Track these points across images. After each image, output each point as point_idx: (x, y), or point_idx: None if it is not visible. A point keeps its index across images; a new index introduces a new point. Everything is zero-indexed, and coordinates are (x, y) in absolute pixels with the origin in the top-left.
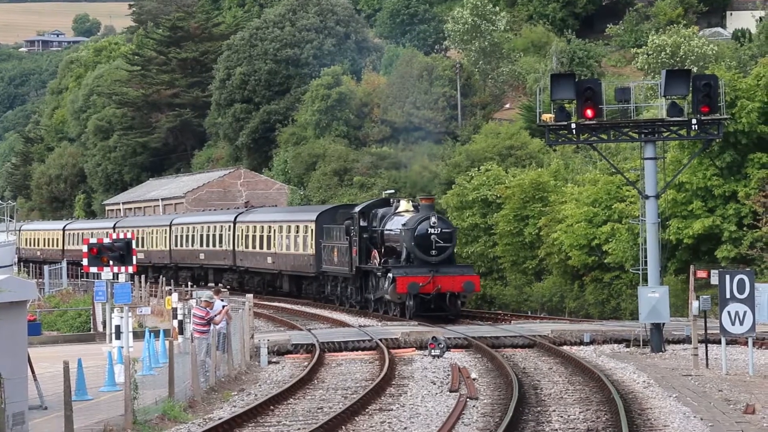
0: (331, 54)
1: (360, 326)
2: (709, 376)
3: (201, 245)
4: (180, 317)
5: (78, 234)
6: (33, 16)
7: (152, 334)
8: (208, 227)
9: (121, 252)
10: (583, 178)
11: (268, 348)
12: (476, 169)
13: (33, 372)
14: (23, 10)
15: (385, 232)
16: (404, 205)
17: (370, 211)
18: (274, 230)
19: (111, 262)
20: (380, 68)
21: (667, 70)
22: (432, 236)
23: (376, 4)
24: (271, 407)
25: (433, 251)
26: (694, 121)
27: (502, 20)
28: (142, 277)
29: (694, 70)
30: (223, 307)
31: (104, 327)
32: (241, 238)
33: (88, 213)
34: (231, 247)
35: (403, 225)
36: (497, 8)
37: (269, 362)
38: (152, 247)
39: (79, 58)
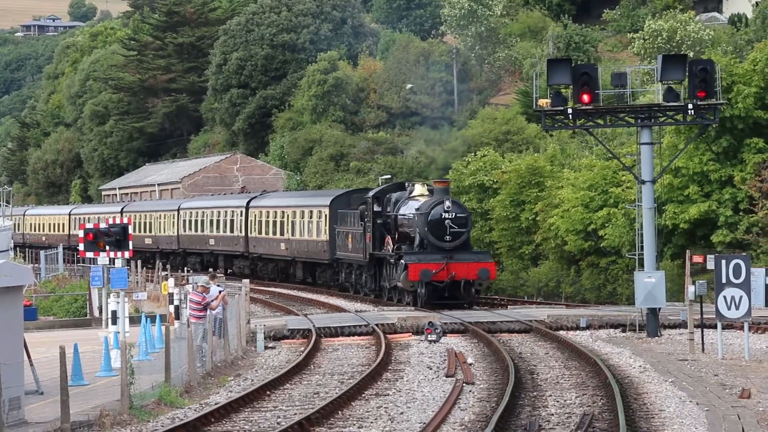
0: (327, 39)
1: (357, 311)
2: (705, 361)
3: (211, 230)
4: (176, 302)
5: (85, 219)
6: (29, 1)
7: (148, 319)
8: (219, 212)
9: (117, 237)
10: (580, 163)
11: (264, 333)
12: (473, 154)
13: (29, 357)
14: None
15: (399, 217)
16: (419, 189)
17: (384, 196)
18: (288, 215)
19: (107, 247)
20: (377, 53)
21: (663, 55)
22: (446, 221)
23: None
24: (268, 392)
25: (448, 237)
26: (690, 106)
27: (499, 5)
28: (138, 262)
29: (691, 55)
30: (220, 292)
31: (100, 312)
32: (254, 224)
33: (84, 198)
34: (243, 233)
35: (417, 209)
36: None
37: (266, 347)
38: (160, 232)
39: (75, 43)
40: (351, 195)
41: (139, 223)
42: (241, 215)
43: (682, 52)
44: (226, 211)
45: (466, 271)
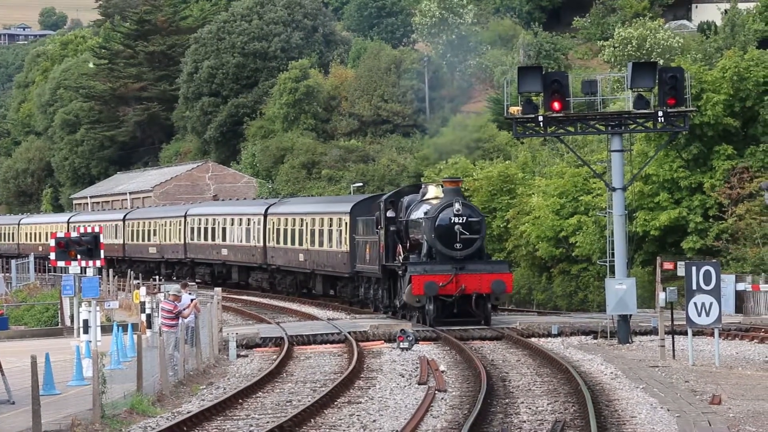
0: (298, 47)
1: (329, 319)
2: (676, 367)
3: (224, 239)
4: (148, 311)
5: (84, 227)
6: None
7: (120, 328)
8: (234, 219)
9: (88, 246)
10: (551, 170)
11: (236, 341)
12: (444, 161)
13: (0, 367)
14: None
15: (410, 222)
16: (432, 191)
17: (398, 200)
18: (307, 223)
19: (79, 256)
20: (348, 61)
21: (633, 63)
22: (456, 226)
23: None
24: (240, 401)
25: (458, 244)
26: (660, 113)
27: (470, 13)
28: (110, 271)
29: (660, 62)
30: (192, 300)
31: (72, 321)
32: (273, 233)
33: (55, 207)
34: (261, 243)
35: (425, 214)
36: (464, 1)
37: (238, 356)
38: (165, 240)
39: (45, 52)
40: (374, 201)
41: (142, 231)
42: (259, 223)
43: (651, 60)
44: (241, 219)
45: (478, 284)
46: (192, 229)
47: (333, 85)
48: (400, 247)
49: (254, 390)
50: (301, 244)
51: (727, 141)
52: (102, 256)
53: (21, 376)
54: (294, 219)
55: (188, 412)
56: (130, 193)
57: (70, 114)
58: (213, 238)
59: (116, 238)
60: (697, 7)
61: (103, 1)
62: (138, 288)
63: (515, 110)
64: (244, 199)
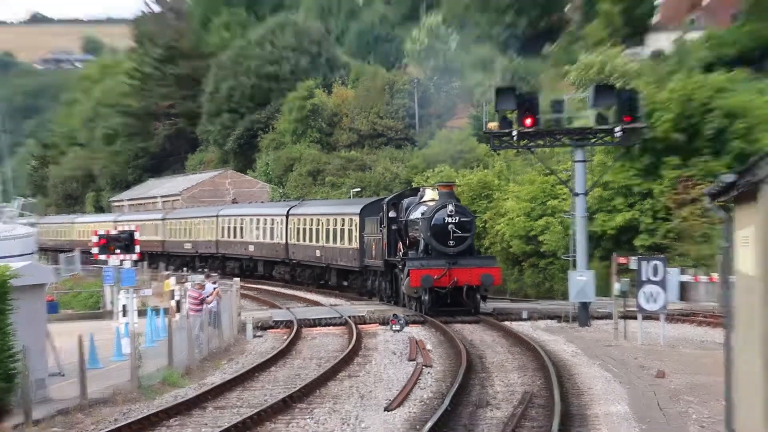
0: (305, 70)
1: (331, 305)
2: (627, 347)
3: (251, 237)
4: (177, 298)
5: (129, 226)
6: (47, 37)
7: (154, 312)
8: (259, 219)
9: (126, 242)
10: (523, 178)
11: (253, 324)
12: (431, 170)
13: (52, 345)
14: (39, 32)
15: (409, 222)
16: (429, 193)
17: (399, 201)
18: (323, 223)
19: (117, 251)
20: (348, 83)
21: (595, 85)
22: (449, 226)
23: (345, 26)
24: (256, 374)
25: (451, 242)
26: (617, 129)
27: (454, 41)
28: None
29: (618, 84)
30: (214, 289)
31: (112, 306)
32: (293, 231)
33: (96, 209)
34: (284, 240)
35: (422, 214)
36: (449, 30)
37: (254, 336)
38: (199, 237)
39: (87, 74)
40: (380, 203)
41: (179, 229)
42: (282, 223)
43: (611, 83)
44: (266, 219)
45: (469, 277)
46: (223, 228)
47: (335, 103)
48: (400, 244)
49: (268, 365)
50: (317, 241)
51: (674, 153)
52: (137, 250)
53: (70, 353)
54: (312, 219)
55: (212, 384)
56: (162, 196)
57: (109, 128)
58: (241, 236)
59: (156, 235)
60: (650, 36)
61: (137, 30)
62: (168, 278)
63: (493, 126)
64: (261, 201)
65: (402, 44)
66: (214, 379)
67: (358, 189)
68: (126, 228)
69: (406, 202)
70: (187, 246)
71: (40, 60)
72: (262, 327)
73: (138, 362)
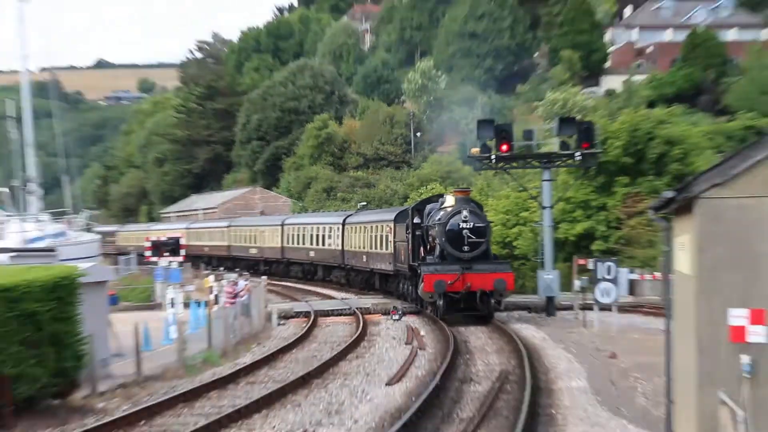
0: (320, 105)
1: (342, 299)
2: (586, 333)
3: (311, 244)
4: (215, 292)
5: (197, 233)
6: (109, 79)
7: (196, 304)
8: (319, 228)
9: (173, 247)
10: (500, 194)
11: (277, 314)
12: (424, 187)
13: (113, 331)
14: (103, 75)
15: (429, 227)
16: (449, 200)
17: (423, 207)
18: (367, 230)
19: (167, 254)
20: (356, 115)
21: (559, 118)
22: (464, 231)
23: (353, 69)
24: (280, 355)
25: (466, 247)
26: (577, 153)
27: (443, 82)
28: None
29: (578, 117)
30: (245, 285)
31: (162, 299)
32: (348, 239)
33: (148, 219)
34: (340, 247)
35: (438, 220)
36: (439, 72)
37: (278, 324)
38: (265, 244)
39: (142, 109)
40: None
41: (245, 236)
42: (338, 230)
43: (572, 116)
44: (324, 227)
45: (482, 282)
46: (288, 235)
47: (345, 132)
48: (422, 249)
49: (290, 348)
50: (363, 247)
51: (624, 173)
52: (183, 254)
53: (127, 337)
54: (360, 227)
55: (244, 363)
56: (202, 209)
57: (159, 153)
58: (303, 243)
59: (223, 240)
60: (604, 78)
61: (183, 72)
62: (208, 276)
63: (475, 151)
64: (302, 212)
65: (400, 84)
66: (246, 359)
67: (364, 203)
68: (195, 234)
69: (428, 207)
70: (253, 251)
71: (103, 98)
72: (285, 316)
73: (183, 345)
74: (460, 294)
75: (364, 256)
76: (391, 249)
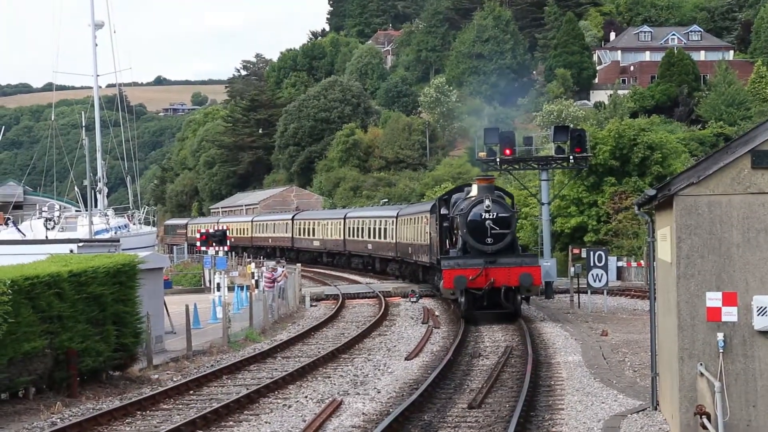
0: (348, 115)
1: (366, 283)
2: (580, 313)
3: (369, 236)
4: (256, 278)
5: (262, 225)
6: (167, 94)
7: (239, 288)
8: (375, 221)
9: (220, 238)
10: None
11: (310, 296)
12: (438, 186)
13: (167, 311)
14: (161, 90)
15: (454, 218)
16: (474, 189)
17: (450, 197)
18: (411, 222)
19: (214, 244)
20: (379, 124)
21: (555, 126)
22: (486, 222)
23: (377, 85)
24: (312, 333)
25: (489, 239)
26: (571, 157)
27: (454, 95)
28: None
29: (571, 126)
30: (282, 271)
31: (210, 284)
32: (400, 231)
33: (200, 214)
34: (394, 240)
35: (460, 210)
36: (451, 87)
37: (311, 305)
38: (328, 236)
39: (195, 119)
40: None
41: (308, 229)
42: (393, 224)
43: (566, 125)
44: (381, 220)
45: (507, 277)
46: (349, 228)
47: (369, 139)
48: (447, 242)
49: (321, 327)
50: (409, 240)
51: (611, 174)
52: (228, 244)
53: (179, 317)
54: (409, 219)
55: (280, 340)
56: (245, 205)
57: (209, 157)
58: (362, 236)
59: (286, 232)
60: (593, 92)
61: (230, 88)
62: (250, 264)
63: (482, 155)
64: (333, 208)
65: (417, 97)
66: (282, 336)
67: (386, 200)
68: (260, 225)
69: (455, 197)
70: (316, 243)
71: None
72: (317, 299)
73: (228, 324)
74: (483, 290)
75: (410, 248)
76: (428, 241)
